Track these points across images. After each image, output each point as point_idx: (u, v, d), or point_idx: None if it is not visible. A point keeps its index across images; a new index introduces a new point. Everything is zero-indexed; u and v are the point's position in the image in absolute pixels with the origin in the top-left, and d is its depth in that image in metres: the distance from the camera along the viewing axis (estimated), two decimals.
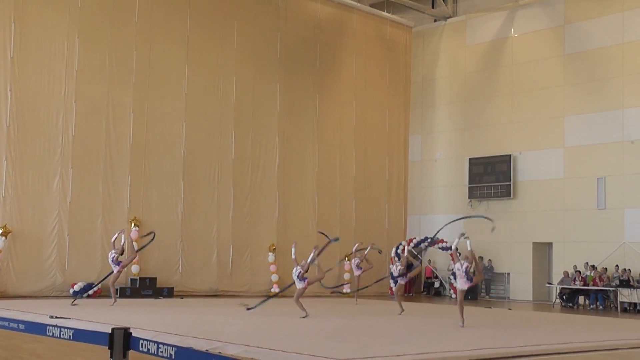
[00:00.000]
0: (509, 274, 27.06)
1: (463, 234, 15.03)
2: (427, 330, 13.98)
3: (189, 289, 23.17)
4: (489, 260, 27.15)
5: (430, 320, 16.78)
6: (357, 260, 21.96)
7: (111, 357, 6.13)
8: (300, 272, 16.40)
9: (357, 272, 22.04)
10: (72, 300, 18.22)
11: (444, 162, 29.71)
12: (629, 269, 23.34)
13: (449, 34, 30.15)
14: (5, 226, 20.20)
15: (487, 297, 27.02)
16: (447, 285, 28.46)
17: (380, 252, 23.88)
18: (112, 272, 18.53)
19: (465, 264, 14.61)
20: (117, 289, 21.52)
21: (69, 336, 6.57)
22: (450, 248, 27.22)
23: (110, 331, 6.13)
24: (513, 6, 28.04)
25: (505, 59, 28.10)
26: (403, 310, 17.92)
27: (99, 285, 20.63)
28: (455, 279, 19.65)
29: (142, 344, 5.96)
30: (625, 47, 24.77)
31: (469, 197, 28.25)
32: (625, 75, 24.70)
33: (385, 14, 29.85)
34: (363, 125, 28.86)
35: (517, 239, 26.64)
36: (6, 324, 7.66)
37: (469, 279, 14.59)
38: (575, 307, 23.77)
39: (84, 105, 21.88)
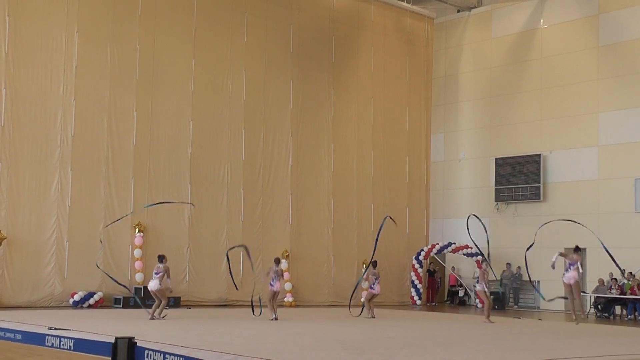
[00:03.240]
0: (539, 282, 26.85)
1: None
2: (450, 342, 13.90)
3: (197, 299, 23.18)
4: (518, 267, 27.01)
5: (454, 330, 16.70)
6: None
7: None
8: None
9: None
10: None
11: (469, 162, 29.58)
12: None
13: (474, 25, 30.05)
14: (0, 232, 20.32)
15: (516, 307, 26.86)
16: (472, 294, 28.32)
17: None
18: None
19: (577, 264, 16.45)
20: (120, 299, 21.65)
21: (70, 346, 6.57)
22: (476, 254, 27.16)
23: (113, 341, 6.13)
24: None
25: (534, 52, 27.96)
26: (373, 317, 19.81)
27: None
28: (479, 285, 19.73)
29: (147, 354, 5.95)
30: None
31: (496, 200, 28.12)
32: None
33: (405, 4, 29.79)
34: (382, 124, 28.80)
35: (548, 245, 26.37)
36: (2, 334, 7.67)
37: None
38: (611, 317, 23.57)
39: (83, 104, 21.95)
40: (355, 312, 20.15)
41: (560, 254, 18.10)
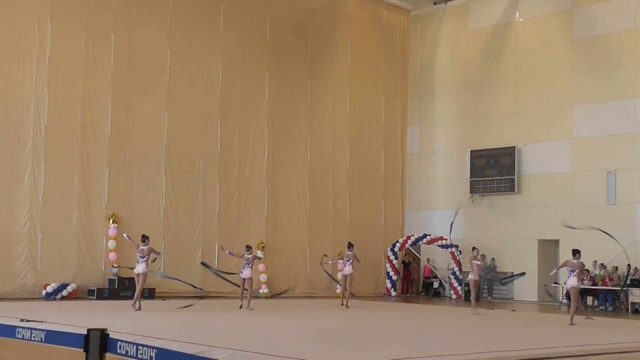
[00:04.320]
0: (513, 273, 27.05)
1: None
2: (426, 333, 13.93)
3: (172, 290, 22.96)
4: (492, 259, 27.14)
5: (429, 321, 16.75)
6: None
7: None
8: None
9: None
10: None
11: (444, 154, 29.66)
12: None
13: (450, 18, 30.08)
14: None
15: (490, 297, 27.00)
16: (446, 286, 28.43)
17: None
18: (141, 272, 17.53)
19: (577, 270, 16.94)
20: (94, 290, 21.47)
21: (41, 338, 6.44)
22: (450, 246, 27.23)
23: (85, 332, 6.02)
24: None
25: (510, 45, 28.04)
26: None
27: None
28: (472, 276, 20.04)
29: (120, 345, 5.84)
30: (638, 33, 24.74)
31: (471, 192, 28.22)
32: (637, 63, 24.68)
33: None
34: (358, 116, 28.76)
35: (522, 236, 26.62)
36: None
37: (580, 279, 16.99)
38: (583, 307, 23.76)
39: (57, 94, 21.66)
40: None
41: (560, 266, 18.40)
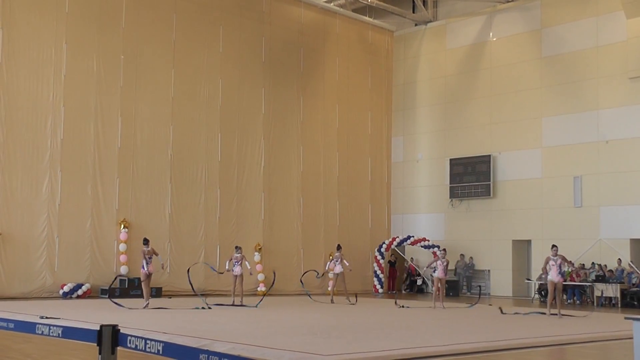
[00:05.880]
0: (489, 270, 27.22)
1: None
2: (411, 326, 14.03)
3: (177, 289, 23.10)
4: (470, 257, 27.29)
5: (413, 316, 16.85)
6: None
7: (100, 353, 6.11)
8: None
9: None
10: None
11: (426, 162, 29.83)
12: (605, 265, 23.57)
13: (430, 38, 30.29)
14: None
15: (469, 293, 27.14)
16: (429, 283, 28.55)
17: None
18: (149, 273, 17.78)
19: (559, 260, 16.94)
20: (106, 289, 21.51)
21: (58, 334, 6.52)
22: (432, 246, 27.36)
23: (98, 328, 6.12)
24: (491, 11, 28.23)
25: (484, 62, 28.26)
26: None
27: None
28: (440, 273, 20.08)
29: (130, 340, 5.93)
30: (599, 50, 25.00)
31: (450, 197, 28.38)
32: (599, 78, 24.92)
33: (367, 18, 29.94)
34: (346, 128, 28.92)
35: (497, 237, 26.80)
36: None
37: (561, 273, 17.07)
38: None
39: (72, 110, 21.78)
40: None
41: (544, 266, 17.65)
